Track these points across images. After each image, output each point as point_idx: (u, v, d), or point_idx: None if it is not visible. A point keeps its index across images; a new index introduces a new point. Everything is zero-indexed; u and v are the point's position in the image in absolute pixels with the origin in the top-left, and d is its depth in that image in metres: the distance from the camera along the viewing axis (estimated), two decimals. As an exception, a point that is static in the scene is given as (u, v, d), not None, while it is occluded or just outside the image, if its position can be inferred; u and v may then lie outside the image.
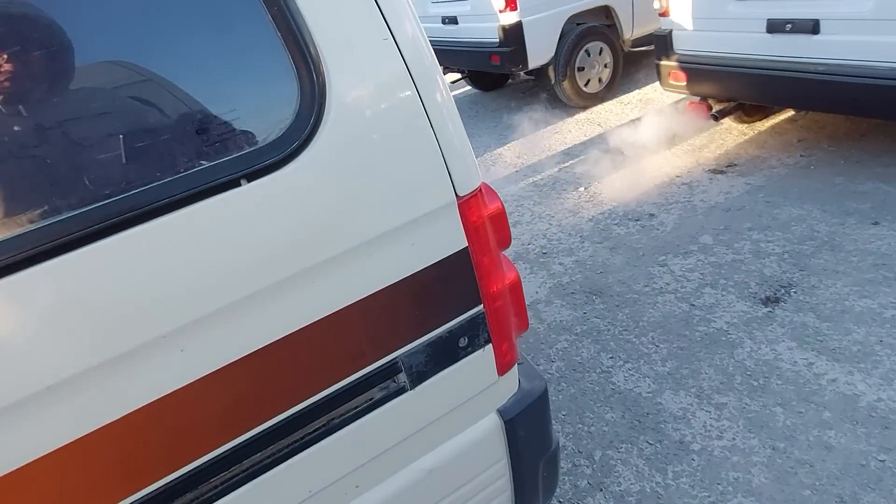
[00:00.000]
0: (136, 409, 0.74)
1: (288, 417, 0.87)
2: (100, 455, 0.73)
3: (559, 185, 3.83)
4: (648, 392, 2.12)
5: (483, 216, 0.96)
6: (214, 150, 0.73)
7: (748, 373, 2.09)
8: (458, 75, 5.78)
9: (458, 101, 6.18)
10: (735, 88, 3.20)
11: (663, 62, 3.38)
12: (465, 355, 1.01)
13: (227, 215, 0.75)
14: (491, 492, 1.14)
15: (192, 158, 0.73)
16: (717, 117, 3.49)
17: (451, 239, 0.93)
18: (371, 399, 0.94)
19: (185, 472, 0.80)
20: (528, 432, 1.14)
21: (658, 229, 3.09)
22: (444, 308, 0.96)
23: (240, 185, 0.75)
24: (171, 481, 0.79)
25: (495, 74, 5.69)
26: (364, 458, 0.95)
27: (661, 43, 3.35)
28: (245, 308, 0.78)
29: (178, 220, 0.72)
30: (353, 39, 0.79)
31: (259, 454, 0.85)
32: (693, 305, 2.49)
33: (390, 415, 0.95)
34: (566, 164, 4.12)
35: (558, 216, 3.46)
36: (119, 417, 0.73)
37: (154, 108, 0.73)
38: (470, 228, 0.94)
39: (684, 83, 3.37)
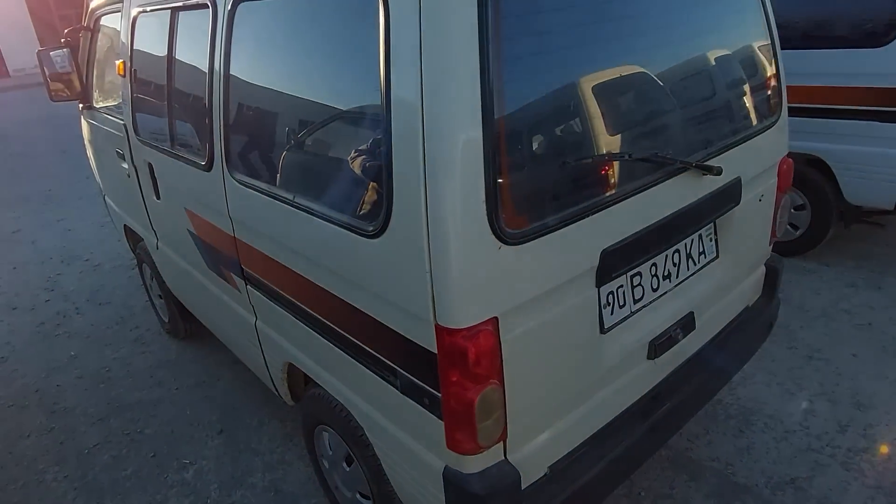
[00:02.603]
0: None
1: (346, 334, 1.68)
2: None
3: None
4: None
5: (459, 350, 1.32)
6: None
7: None
8: None
9: None
10: None
11: None
12: (427, 409, 1.48)
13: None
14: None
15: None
16: None
17: (425, 339, 1.38)
18: (383, 372, 1.60)
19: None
20: (457, 500, 1.51)
21: None
22: (415, 370, 1.46)
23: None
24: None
25: None
26: (378, 394, 1.67)
27: None
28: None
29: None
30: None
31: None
32: None
33: (387, 387, 1.59)
34: None
35: None
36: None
37: None
38: (441, 347, 1.35)
39: None
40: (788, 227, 4.04)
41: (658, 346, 1.84)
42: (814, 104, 3.57)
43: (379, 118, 1.36)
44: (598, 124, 1.53)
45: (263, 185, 1.89)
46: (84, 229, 5.84)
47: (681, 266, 1.92)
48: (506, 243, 1.33)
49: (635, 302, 1.78)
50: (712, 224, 2.02)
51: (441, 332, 1.34)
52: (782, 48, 2.14)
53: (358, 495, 2.12)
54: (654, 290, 1.84)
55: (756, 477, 2.44)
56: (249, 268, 2.15)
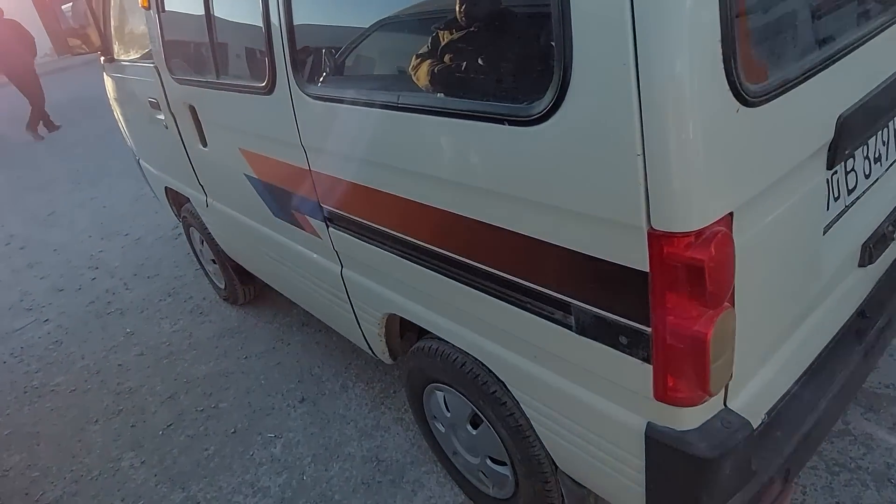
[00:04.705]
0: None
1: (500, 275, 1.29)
2: None
3: None
4: None
5: (688, 263, 0.94)
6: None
7: None
8: None
9: None
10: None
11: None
12: (623, 351, 1.10)
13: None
14: (623, 476, 1.26)
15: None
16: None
17: (628, 255, 1.00)
18: (547, 311, 1.22)
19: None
20: (669, 466, 1.15)
21: None
22: (607, 300, 1.08)
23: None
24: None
25: None
26: (536, 340, 1.30)
27: None
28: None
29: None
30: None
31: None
32: None
33: (554, 330, 1.22)
34: None
35: None
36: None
37: None
38: (658, 262, 0.97)
39: None
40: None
41: (872, 249, 1.44)
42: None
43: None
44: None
45: (349, 94, 1.49)
46: (118, 205, 5.56)
47: (889, 145, 1.49)
48: (744, 104, 0.92)
49: (849, 192, 1.37)
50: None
51: (657, 240, 0.95)
52: None
53: (488, 461, 1.80)
54: (867, 178, 1.43)
55: (946, 403, 2.05)
56: (332, 205, 1.78)
